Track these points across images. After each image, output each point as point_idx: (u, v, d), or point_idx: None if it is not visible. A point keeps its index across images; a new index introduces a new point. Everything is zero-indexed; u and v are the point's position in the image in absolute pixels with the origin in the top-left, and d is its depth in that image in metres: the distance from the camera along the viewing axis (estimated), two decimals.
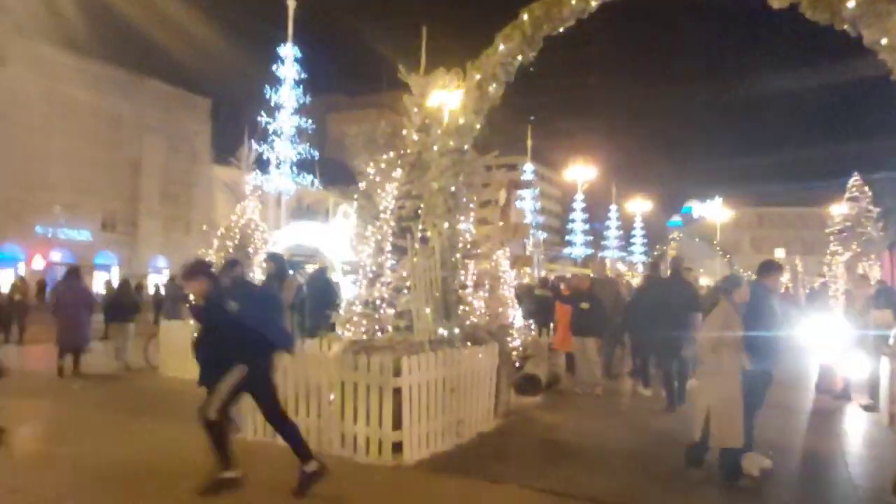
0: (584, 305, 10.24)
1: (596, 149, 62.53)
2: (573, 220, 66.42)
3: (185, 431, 5.77)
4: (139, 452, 6.26)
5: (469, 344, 7.30)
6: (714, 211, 60.00)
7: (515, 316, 10.29)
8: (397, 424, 6.10)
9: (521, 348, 9.97)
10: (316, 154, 30.97)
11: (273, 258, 9.04)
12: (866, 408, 9.28)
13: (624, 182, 68.11)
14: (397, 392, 6.11)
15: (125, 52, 41.06)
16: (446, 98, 8.69)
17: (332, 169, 34.74)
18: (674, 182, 75.21)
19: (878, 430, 8.27)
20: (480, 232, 9.19)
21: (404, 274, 6.93)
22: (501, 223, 9.45)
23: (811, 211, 54.44)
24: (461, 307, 7.57)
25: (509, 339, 9.18)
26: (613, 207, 68.92)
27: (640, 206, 62.70)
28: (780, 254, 54.22)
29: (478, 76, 7.00)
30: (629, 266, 46.80)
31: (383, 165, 7.16)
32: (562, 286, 12.80)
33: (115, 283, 16.93)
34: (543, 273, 36.06)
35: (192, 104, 47.60)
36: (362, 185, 7.40)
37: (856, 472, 6.49)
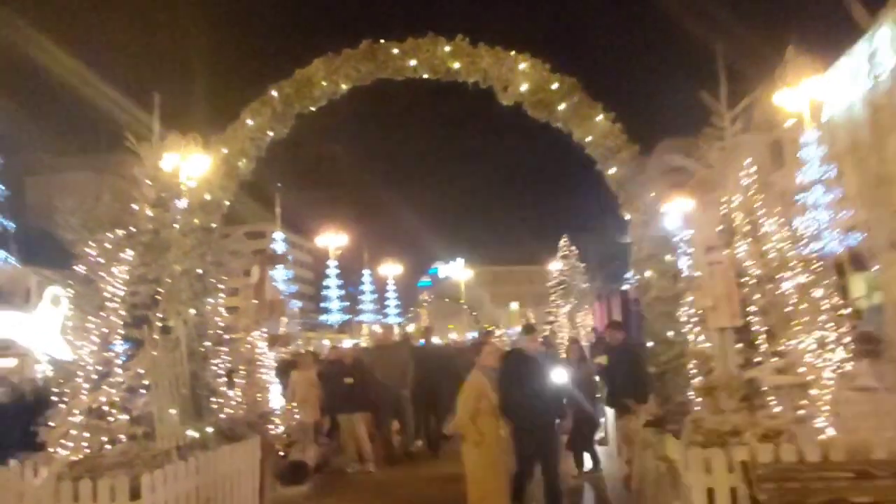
0: (349, 380, 9.99)
1: (346, 215, 63.90)
2: (328, 287, 66.19)
3: None
4: None
5: (226, 441, 6.48)
6: (457, 271, 65.19)
7: (273, 399, 9.57)
8: None
9: (285, 435, 9.27)
10: (11, 225, 26.14)
11: None
12: (600, 442, 10.58)
13: (375, 246, 70.43)
14: None
15: None
16: (182, 164, 7.91)
17: (34, 243, 29.10)
18: (421, 245, 79.82)
19: (608, 458, 9.82)
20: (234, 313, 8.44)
21: (140, 371, 5.90)
22: (256, 301, 8.77)
23: (535, 269, 62.08)
24: (214, 400, 6.73)
25: (271, 426, 8.47)
26: (367, 272, 70.54)
27: (391, 269, 65.18)
28: (514, 306, 60.44)
29: (225, 150, 6.52)
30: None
31: (109, 246, 6.11)
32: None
33: None
34: (301, 342, 34.83)
35: None
36: (81, 268, 6.19)
37: None
